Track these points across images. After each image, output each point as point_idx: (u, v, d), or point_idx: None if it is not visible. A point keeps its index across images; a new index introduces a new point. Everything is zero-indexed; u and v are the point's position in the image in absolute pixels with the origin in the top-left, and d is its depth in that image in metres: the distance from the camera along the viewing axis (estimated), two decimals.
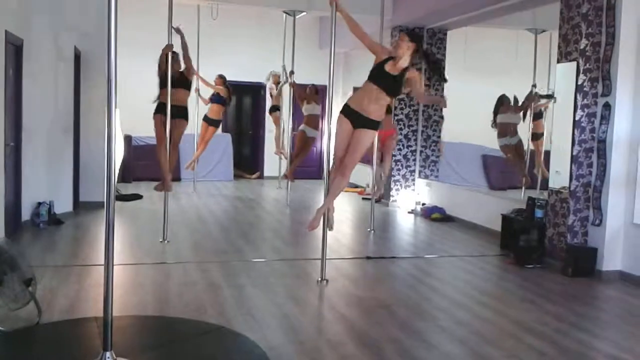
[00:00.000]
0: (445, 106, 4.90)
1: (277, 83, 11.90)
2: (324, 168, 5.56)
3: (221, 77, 10.87)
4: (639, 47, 5.80)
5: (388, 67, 4.91)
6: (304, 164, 13.45)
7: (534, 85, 9.54)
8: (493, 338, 4.20)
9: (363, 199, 11.01)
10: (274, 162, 12.87)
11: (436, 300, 5.07)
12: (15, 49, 6.72)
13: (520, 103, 9.51)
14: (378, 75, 4.92)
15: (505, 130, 9.38)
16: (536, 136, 9.61)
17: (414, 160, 10.23)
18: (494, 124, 9.55)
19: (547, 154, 7.21)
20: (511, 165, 9.91)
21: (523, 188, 9.75)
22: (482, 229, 8.13)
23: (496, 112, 9.51)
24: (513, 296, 5.36)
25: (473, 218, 8.51)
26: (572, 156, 6.04)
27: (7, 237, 5.61)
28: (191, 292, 4.97)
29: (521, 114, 9.47)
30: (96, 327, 3.93)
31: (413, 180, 10.24)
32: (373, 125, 5.01)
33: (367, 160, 8.96)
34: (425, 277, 5.79)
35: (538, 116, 9.65)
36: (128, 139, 11.55)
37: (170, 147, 6.82)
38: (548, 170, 6.79)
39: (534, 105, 9.48)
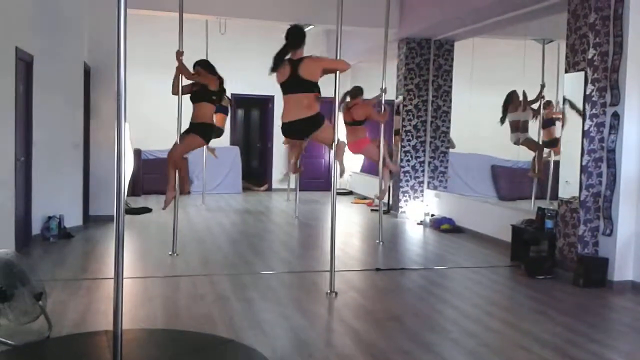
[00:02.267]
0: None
1: None
2: (332, 180, 5.55)
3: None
4: None
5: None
6: (313, 175, 13.49)
7: (543, 97, 9.54)
8: (504, 350, 4.17)
9: (372, 210, 11.00)
10: (282, 174, 12.90)
11: (446, 312, 5.04)
12: (26, 65, 6.80)
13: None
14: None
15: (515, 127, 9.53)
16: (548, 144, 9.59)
17: (423, 171, 10.21)
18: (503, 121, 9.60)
19: (557, 163, 7.19)
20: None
21: (533, 198, 9.72)
22: (491, 239, 8.09)
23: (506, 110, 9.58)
24: (524, 307, 5.32)
25: (483, 229, 8.47)
26: (581, 166, 6.01)
27: (18, 251, 5.64)
28: (200, 305, 4.97)
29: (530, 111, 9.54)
30: (106, 340, 3.93)
31: (422, 191, 10.22)
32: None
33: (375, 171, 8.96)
34: (435, 289, 5.76)
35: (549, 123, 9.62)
36: (137, 152, 11.63)
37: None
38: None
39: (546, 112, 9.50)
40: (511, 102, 9.52)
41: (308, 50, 5.36)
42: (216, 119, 10.94)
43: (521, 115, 9.48)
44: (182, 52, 6.75)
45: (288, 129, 5.57)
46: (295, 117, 5.39)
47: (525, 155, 10.71)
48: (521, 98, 9.51)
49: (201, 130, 6.76)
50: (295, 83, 5.34)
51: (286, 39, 5.43)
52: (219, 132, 11.13)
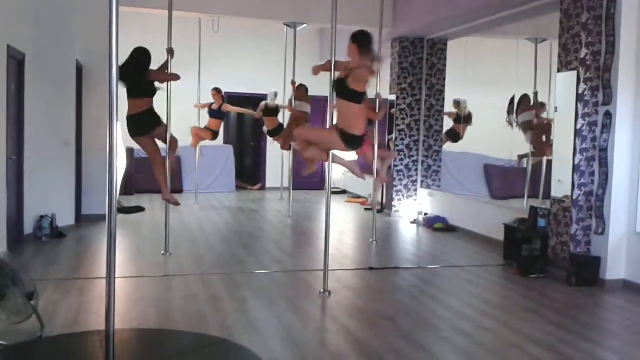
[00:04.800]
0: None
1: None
2: (326, 179, 5.54)
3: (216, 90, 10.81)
4: (638, 55, 5.82)
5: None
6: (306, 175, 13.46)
7: (535, 93, 9.58)
8: (496, 348, 4.18)
9: (365, 209, 11.01)
10: (275, 173, 12.89)
11: (439, 310, 5.05)
12: (17, 63, 6.76)
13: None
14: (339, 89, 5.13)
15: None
16: None
17: (416, 169, 10.23)
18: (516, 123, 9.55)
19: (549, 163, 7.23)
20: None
21: (525, 197, 9.75)
22: (484, 238, 8.11)
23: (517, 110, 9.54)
24: (516, 306, 5.34)
25: (475, 227, 8.49)
26: (573, 165, 6.03)
27: (9, 250, 5.61)
28: (193, 305, 4.96)
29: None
30: (98, 340, 3.92)
31: (415, 189, 10.24)
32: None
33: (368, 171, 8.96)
34: (428, 288, 5.77)
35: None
36: (130, 151, 11.57)
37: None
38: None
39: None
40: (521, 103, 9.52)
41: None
42: (210, 123, 10.95)
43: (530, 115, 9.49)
44: (172, 50, 6.73)
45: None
46: None
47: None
48: (532, 100, 9.52)
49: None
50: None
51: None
52: (214, 136, 11.11)
